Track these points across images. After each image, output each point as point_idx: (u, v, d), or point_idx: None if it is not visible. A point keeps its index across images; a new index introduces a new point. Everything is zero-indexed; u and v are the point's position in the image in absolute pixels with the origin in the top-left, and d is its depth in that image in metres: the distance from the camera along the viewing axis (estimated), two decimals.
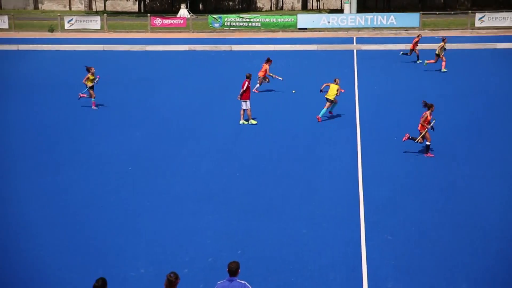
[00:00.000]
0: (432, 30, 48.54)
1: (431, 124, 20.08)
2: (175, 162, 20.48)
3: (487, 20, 48.41)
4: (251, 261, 13.90)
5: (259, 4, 78.70)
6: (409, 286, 12.86)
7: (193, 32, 51.45)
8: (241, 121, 24.43)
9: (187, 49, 43.60)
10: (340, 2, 73.60)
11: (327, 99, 24.40)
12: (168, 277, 10.48)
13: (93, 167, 20.07)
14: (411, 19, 49.45)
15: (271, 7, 77.86)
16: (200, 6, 72.77)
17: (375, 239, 14.80)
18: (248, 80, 24.02)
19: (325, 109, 24.61)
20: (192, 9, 64.38)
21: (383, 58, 38.14)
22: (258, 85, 29.51)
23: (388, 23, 49.00)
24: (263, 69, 29.13)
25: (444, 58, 32.85)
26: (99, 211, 16.71)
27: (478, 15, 48.80)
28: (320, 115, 24.66)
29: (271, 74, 29.15)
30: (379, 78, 32.49)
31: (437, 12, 56.05)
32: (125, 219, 16.17)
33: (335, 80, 24.47)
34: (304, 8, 75.21)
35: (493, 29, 47.89)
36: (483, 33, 46.73)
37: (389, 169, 19.37)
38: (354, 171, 19.25)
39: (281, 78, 29.17)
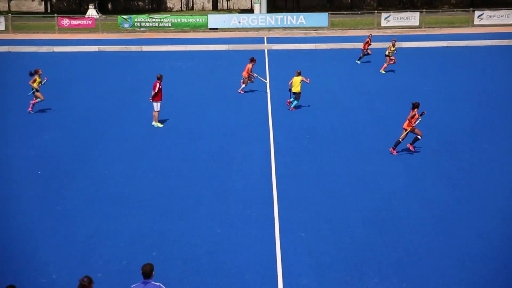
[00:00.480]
0: (340, 29, 49.51)
1: (417, 122, 20.36)
2: (87, 164, 20.10)
3: (392, 19, 49.78)
4: (166, 262, 13.82)
5: (169, 4, 78.25)
6: (323, 282, 13.07)
7: (102, 32, 50.62)
8: (154, 123, 24.21)
9: (97, 49, 42.87)
10: (250, 2, 74.07)
11: (294, 93, 25.72)
12: (81, 282, 10.28)
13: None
14: (320, 19, 50.28)
15: (181, 7, 77.55)
16: (109, 6, 71.68)
17: (289, 237, 14.96)
18: (159, 81, 23.81)
19: (296, 101, 26.08)
20: (101, 9, 63.37)
21: (294, 57, 38.63)
22: (243, 85, 29.25)
23: (298, 23, 49.65)
24: (246, 69, 28.89)
25: (387, 60, 33.13)
26: (7, 217, 16.21)
27: (384, 15, 50.11)
28: (292, 106, 26.26)
29: (254, 74, 29.15)
30: (291, 77, 32.82)
31: (345, 12, 57.25)
32: (35, 224, 15.75)
33: (297, 72, 25.67)
34: (215, 8, 75.31)
35: (398, 28, 49.29)
36: (389, 32, 48.00)
37: (302, 167, 19.62)
38: (267, 170, 19.40)
39: (266, 81, 29.08)
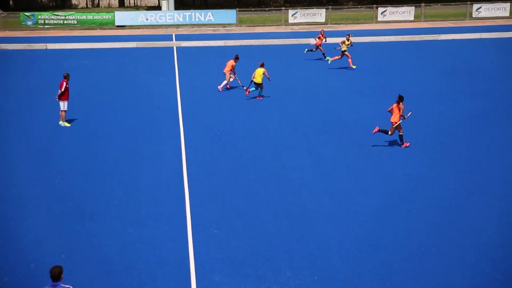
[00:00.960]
0: (248, 26, 49.78)
1: (408, 115, 20.73)
2: None
3: (299, 16, 50.42)
4: (76, 264, 13.56)
5: (74, 1, 76.57)
6: (235, 277, 13.15)
7: (4, 30, 49.02)
8: (61, 122, 23.67)
9: None
10: None
11: (255, 83, 26.79)
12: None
13: None
14: (228, 15, 50.38)
15: (86, 4, 76.05)
16: (11, 3, 69.52)
17: (201, 234, 14.97)
18: (65, 80, 23.30)
19: (259, 90, 27.17)
20: (2, 6, 61.33)
21: (203, 54, 38.59)
22: (225, 81, 28.87)
23: (206, 19, 49.59)
24: (228, 66, 28.55)
25: (348, 55, 33.24)
26: None
27: (291, 12, 50.72)
28: (258, 95, 27.43)
29: (234, 75, 28.86)
30: (200, 74, 32.83)
31: (253, 9, 57.62)
32: None
33: (260, 64, 26.81)
34: (121, 5, 74.24)
35: (305, 24, 50.00)
36: (296, 28, 48.64)
37: (213, 164, 19.65)
38: (178, 167, 19.32)
39: (242, 86, 28.76)
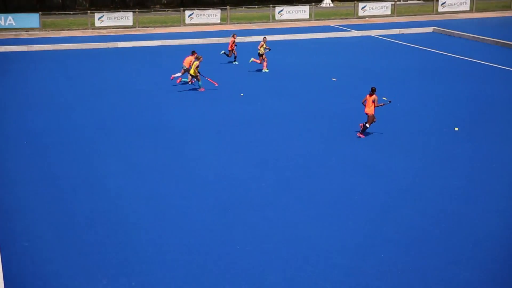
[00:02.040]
0: (53, 30, 48.14)
1: (382, 103, 21.72)
2: None
3: (106, 19, 49.58)
4: None
5: None
6: None
7: None
8: None
9: None
10: None
11: (187, 70, 28.64)
12: None
13: None
14: (31, 19, 48.34)
15: None
16: None
17: (10, 248, 14.24)
18: None
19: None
20: None
21: (5, 60, 36.85)
22: (179, 73, 29.61)
23: (7, 24, 47.25)
24: (189, 63, 28.85)
25: (264, 58, 33.00)
26: None
27: (97, 15, 49.70)
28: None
29: (178, 74, 29.45)
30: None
31: (57, 13, 55.74)
32: None
33: (192, 53, 28.77)
34: None
35: (113, 28, 49.25)
36: (104, 32, 47.77)
37: (21, 173, 18.82)
38: None
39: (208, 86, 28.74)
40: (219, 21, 51.92)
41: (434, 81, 30.64)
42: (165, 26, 51.08)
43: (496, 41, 41.47)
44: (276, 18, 53.15)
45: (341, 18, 54.80)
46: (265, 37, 33.92)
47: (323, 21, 53.45)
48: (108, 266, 13.58)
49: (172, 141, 21.99)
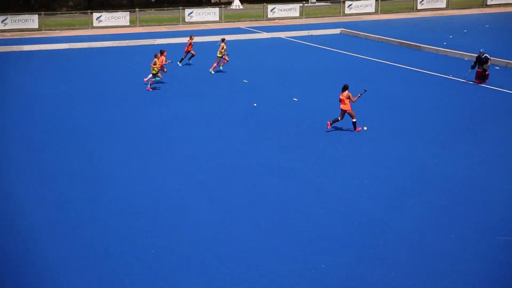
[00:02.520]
0: None
1: (359, 94, 22.18)
2: None
3: (10, 22, 48.28)
4: None
5: None
6: None
7: None
8: None
9: None
10: None
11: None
12: None
13: None
14: None
15: None
16: None
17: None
18: None
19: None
20: None
21: None
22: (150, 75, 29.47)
23: None
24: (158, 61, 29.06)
25: (218, 60, 32.85)
26: None
27: (0, 18, 48.33)
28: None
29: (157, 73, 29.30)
30: None
31: None
32: None
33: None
34: None
35: (17, 31, 47.99)
36: (8, 35, 46.46)
37: None
38: None
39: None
40: (128, 24, 51.37)
41: (343, 81, 31.24)
42: (73, 29, 50.13)
43: (401, 42, 42.74)
44: (186, 20, 53.05)
45: (251, 20, 55.31)
46: (224, 39, 33.39)
47: (233, 23, 53.76)
48: (17, 273, 13.20)
49: (82, 145, 21.61)
